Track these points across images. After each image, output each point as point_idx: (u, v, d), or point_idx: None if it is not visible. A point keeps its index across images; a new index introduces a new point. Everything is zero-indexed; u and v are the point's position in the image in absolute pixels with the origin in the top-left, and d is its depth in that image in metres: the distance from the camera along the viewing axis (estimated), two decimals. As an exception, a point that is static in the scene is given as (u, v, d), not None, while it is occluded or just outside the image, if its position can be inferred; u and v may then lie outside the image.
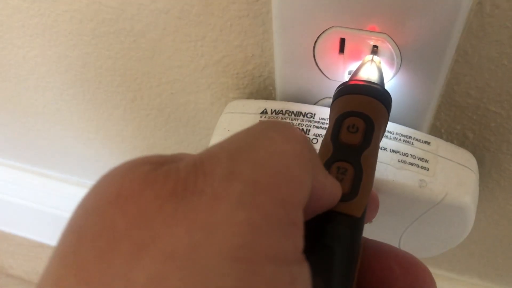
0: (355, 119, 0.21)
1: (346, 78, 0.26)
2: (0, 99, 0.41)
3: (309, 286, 0.13)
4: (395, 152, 0.26)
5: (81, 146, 0.43)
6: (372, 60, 0.24)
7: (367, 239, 0.19)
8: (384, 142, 0.26)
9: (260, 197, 0.12)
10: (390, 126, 0.26)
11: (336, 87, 0.23)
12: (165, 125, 0.37)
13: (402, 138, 0.26)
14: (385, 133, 0.26)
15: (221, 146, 0.14)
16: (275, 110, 0.27)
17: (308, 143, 0.15)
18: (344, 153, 0.20)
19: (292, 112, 0.27)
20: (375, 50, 0.25)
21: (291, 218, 0.13)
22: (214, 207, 0.12)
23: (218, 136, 0.28)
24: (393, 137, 0.26)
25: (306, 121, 0.27)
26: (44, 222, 0.58)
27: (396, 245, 0.30)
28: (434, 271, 0.42)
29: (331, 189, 0.16)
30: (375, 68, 0.24)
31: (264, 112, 0.28)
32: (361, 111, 0.21)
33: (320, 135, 0.26)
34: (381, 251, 0.19)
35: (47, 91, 0.37)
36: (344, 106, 0.22)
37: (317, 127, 0.26)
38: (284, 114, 0.27)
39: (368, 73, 0.23)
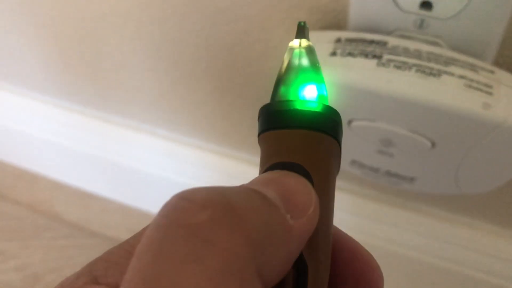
0: None
1: (418, 10, 0.28)
2: (76, 39, 0.44)
3: None
4: (461, 78, 0.28)
5: (147, 90, 0.46)
6: (300, 49, 0.18)
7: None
8: (450, 69, 0.28)
9: None
10: (456, 55, 0.28)
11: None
12: (233, 65, 0.39)
13: (467, 66, 0.28)
14: (451, 61, 0.28)
15: (134, 274, 0.12)
16: (349, 39, 0.30)
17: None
18: None
19: (365, 40, 0.29)
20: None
21: None
22: None
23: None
24: (460, 65, 0.28)
25: (378, 48, 0.29)
26: (96, 173, 0.61)
27: (453, 179, 0.32)
28: (479, 224, 0.43)
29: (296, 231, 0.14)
30: (306, 67, 0.18)
31: (338, 40, 0.30)
32: (287, 161, 0.16)
33: (392, 61, 0.28)
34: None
35: (124, 29, 0.40)
36: (266, 156, 0.17)
37: (390, 53, 0.28)
38: (358, 42, 0.29)
39: (295, 82, 0.17)
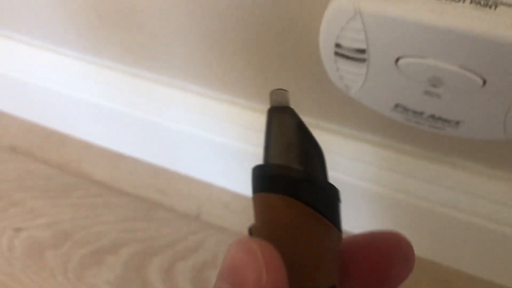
0: None
1: None
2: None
3: None
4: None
5: (179, 44, 0.46)
6: (279, 107, 0.20)
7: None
8: (507, 0, 0.27)
9: None
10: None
11: None
12: (271, 15, 0.38)
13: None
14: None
15: None
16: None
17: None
18: None
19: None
20: None
21: None
22: None
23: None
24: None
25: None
26: (125, 132, 0.61)
27: (501, 122, 0.31)
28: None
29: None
30: (288, 131, 0.19)
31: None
32: (254, 224, 0.17)
33: None
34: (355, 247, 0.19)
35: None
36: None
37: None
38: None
39: (277, 147, 0.19)
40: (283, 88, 0.20)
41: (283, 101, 0.20)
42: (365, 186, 0.48)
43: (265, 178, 0.18)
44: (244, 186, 0.59)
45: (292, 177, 0.17)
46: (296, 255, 0.16)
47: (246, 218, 0.58)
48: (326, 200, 0.18)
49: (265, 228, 0.17)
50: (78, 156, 0.66)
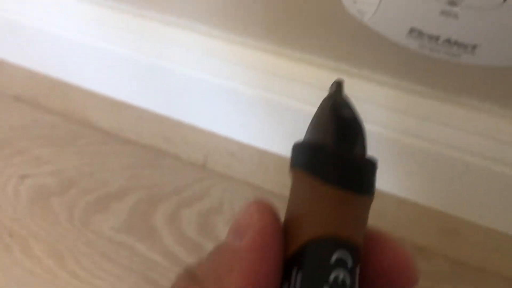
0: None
1: None
2: None
3: None
4: None
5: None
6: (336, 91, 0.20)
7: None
8: None
9: None
10: None
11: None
12: None
13: None
14: None
15: None
16: None
17: None
18: None
19: None
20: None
21: None
22: None
23: None
24: None
25: None
26: (130, 80, 0.60)
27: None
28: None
29: None
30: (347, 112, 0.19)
31: None
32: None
33: None
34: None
35: None
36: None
37: None
38: None
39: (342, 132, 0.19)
40: (340, 79, 0.21)
41: (336, 90, 0.20)
42: (374, 130, 0.47)
43: (291, 153, 0.19)
44: (251, 135, 0.59)
45: (311, 149, 0.18)
46: (300, 219, 0.17)
47: (252, 167, 0.58)
48: (349, 170, 0.18)
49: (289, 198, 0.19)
50: (83, 104, 0.66)
